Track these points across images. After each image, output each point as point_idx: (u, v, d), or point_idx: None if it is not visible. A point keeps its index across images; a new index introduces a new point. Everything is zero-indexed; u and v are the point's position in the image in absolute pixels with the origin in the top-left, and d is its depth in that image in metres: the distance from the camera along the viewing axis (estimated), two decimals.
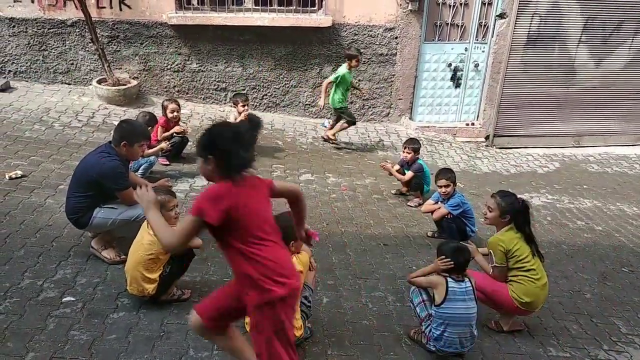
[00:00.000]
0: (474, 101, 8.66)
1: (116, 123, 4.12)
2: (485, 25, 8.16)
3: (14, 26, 7.36)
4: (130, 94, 7.47)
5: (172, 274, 3.42)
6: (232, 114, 6.55)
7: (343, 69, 6.94)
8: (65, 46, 7.55)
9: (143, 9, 7.45)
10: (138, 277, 3.33)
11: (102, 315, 3.32)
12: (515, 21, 7.99)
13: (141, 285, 3.32)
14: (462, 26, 8.10)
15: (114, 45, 7.57)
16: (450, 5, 7.96)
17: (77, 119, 6.76)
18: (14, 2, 7.26)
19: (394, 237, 5.00)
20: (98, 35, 7.12)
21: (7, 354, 2.92)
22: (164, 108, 5.83)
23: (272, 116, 8.11)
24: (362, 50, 7.48)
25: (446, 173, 5.02)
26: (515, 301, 3.53)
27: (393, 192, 6.08)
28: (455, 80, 8.47)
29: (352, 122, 7.23)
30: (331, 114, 7.60)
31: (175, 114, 5.82)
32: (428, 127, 8.49)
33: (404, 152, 5.93)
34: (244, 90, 7.87)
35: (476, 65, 8.38)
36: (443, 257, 3.32)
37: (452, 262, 3.29)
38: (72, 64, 7.66)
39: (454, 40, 8.20)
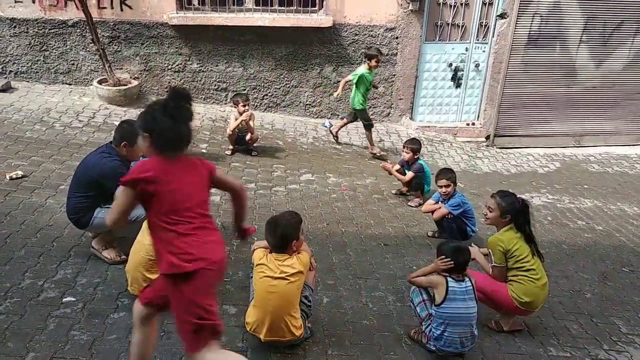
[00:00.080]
0: (474, 101, 8.66)
1: (117, 123, 4.12)
2: (485, 25, 8.16)
3: (15, 26, 7.37)
4: (131, 94, 7.47)
5: None
6: (232, 114, 6.56)
7: (362, 69, 6.82)
8: (66, 46, 7.56)
9: (144, 9, 7.46)
10: (139, 278, 3.34)
11: (102, 316, 3.32)
12: (516, 21, 7.98)
13: (142, 285, 3.30)
14: (462, 26, 8.09)
15: (115, 45, 7.58)
16: (450, 5, 7.95)
17: (77, 119, 6.77)
18: (15, 2, 7.27)
19: (395, 237, 5.00)
20: (99, 36, 7.13)
21: (7, 354, 2.93)
22: None
23: (273, 116, 8.12)
24: (362, 51, 7.48)
25: (447, 173, 5.02)
26: (514, 301, 3.54)
27: (393, 192, 6.08)
28: (456, 80, 8.46)
29: (370, 126, 7.11)
30: (331, 114, 7.61)
31: None
32: (428, 127, 8.48)
33: (404, 151, 5.94)
34: (244, 90, 7.87)
35: (477, 65, 8.38)
36: (443, 257, 3.33)
37: (452, 262, 3.30)
38: (73, 64, 7.67)
39: (455, 40, 8.20)
